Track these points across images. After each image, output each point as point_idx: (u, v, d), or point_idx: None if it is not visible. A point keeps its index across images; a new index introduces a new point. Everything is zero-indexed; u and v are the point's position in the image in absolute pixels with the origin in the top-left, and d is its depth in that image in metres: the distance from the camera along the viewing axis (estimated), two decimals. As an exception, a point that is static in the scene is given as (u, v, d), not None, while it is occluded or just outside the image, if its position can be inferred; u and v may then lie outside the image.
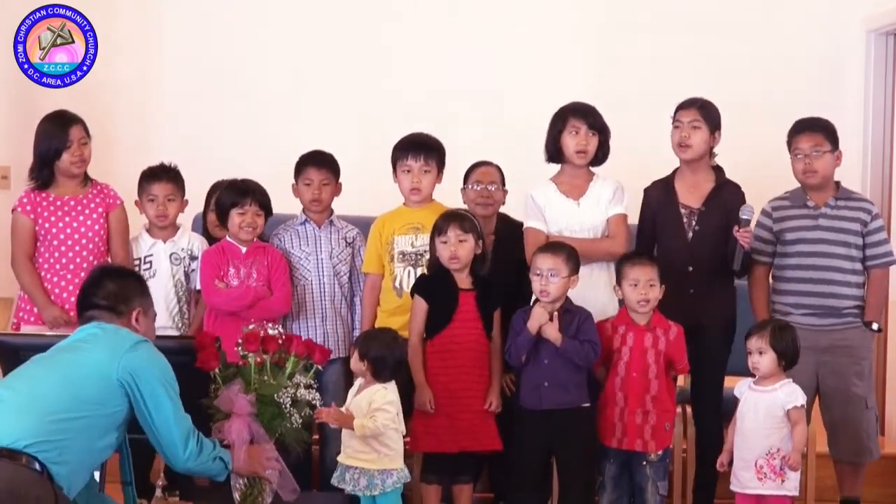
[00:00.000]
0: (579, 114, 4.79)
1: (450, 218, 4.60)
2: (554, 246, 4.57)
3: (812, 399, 4.74)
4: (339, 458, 4.35)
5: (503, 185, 5.00)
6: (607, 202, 4.80)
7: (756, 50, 6.59)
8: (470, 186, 4.96)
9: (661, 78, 6.48)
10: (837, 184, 4.87)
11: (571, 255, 4.51)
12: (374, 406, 4.25)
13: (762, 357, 4.40)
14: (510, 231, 4.90)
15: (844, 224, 4.77)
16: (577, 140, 4.77)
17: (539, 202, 4.81)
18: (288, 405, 3.89)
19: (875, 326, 4.78)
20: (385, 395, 4.28)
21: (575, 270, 4.51)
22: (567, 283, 4.50)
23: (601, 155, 4.83)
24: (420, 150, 4.86)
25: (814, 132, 4.80)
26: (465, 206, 4.90)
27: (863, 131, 6.36)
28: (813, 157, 4.77)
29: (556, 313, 4.47)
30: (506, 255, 4.80)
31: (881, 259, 4.78)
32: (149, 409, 3.56)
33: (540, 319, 4.46)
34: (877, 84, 6.45)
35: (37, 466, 3.36)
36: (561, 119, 4.81)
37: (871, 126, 6.40)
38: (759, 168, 6.04)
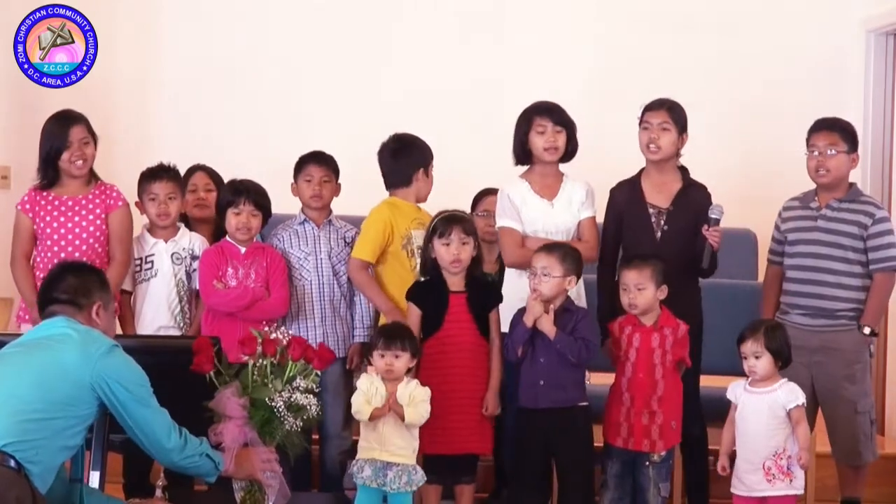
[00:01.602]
0: (543, 112, 4.79)
1: (452, 220, 4.59)
2: (551, 246, 4.57)
3: (811, 399, 4.73)
4: (376, 456, 4.31)
5: None
6: (579, 204, 4.80)
7: (755, 49, 6.59)
8: (478, 214, 4.95)
9: (660, 77, 6.46)
10: (851, 185, 4.86)
11: (567, 255, 4.49)
12: (419, 399, 4.32)
13: (759, 361, 4.37)
14: None
15: (841, 226, 4.76)
16: (544, 138, 4.77)
17: (515, 201, 4.78)
18: (281, 408, 3.87)
19: (867, 330, 4.74)
20: (425, 390, 4.35)
21: (572, 272, 4.49)
22: (561, 284, 4.48)
23: (570, 150, 4.82)
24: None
25: (831, 131, 4.80)
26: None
27: (863, 131, 6.32)
28: (826, 156, 4.76)
29: (551, 307, 4.47)
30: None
31: (882, 263, 4.75)
32: (127, 411, 3.59)
33: (535, 312, 4.45)
34: (877, 84, 6.45)
35: (12, 464, 3.37)
36: (525, 120, 4.81)
37: (871, 126, 6.40)
38: (760, 167, 6.05)
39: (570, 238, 4.77)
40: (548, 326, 4.45)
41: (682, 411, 4.66)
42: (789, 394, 4.37)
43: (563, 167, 4.87)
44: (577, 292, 4.70)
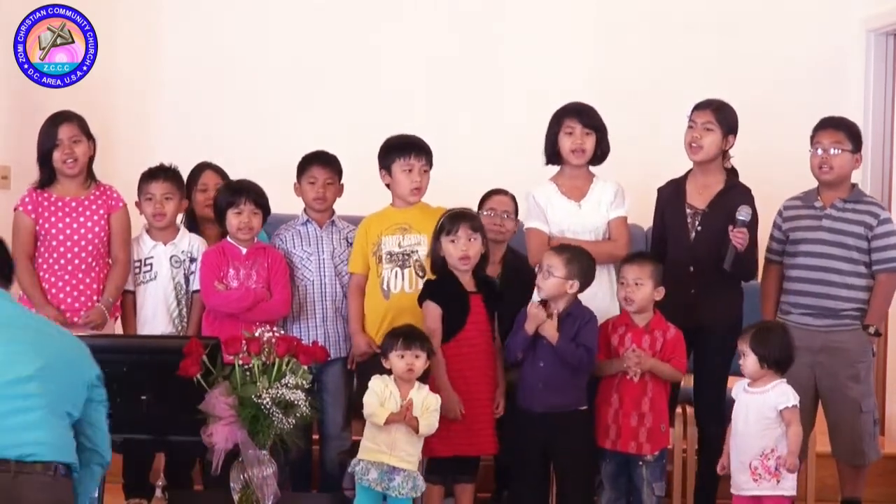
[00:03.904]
0: (573, 113, 4.81)
1: (459, 217, 4.58)
2: (562, 246, 4.57)
3: (812, 399, 4.73)
4: (385, 460, 4.29)
5: (516, 215, 5.00)
6: (609, 204, 4.81)
7: (756, 49, 6.59)
8: (484, 213, 4.96)
9: (660, 78, 6.49)
10: (854, 186, 4.86)
11: (575, 259, 4.47)
12: (431, 408, 4.31)
13: (745, 359, 4.38)
14: (517, 267, 4.87)
15: (847, 226, 4.76)
16: (572, 139, 4.78)
17: (541, 202, 4.82)
18: (268, 405, 3.87)
19: (872, 330, 4.75)
20: (436, 398, 4.34)
21: (576, 275, 4.46)
22: (562, 285, 4.47)
23: (600, 153, 4.83)
24: (421, 150, 4.84)
25: (837, 129, 4.81)
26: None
27: (863, 131, 6.29)
28: (830, 154, 4.76)
29: (555, 313, 4.47)
30: (511, 291, 4.73)
31: (886, 264, 4.75)
32: (97, 411, 3.45)
33: (536, 319, 4.45)
34: (877, 84, 6.44)
35: (63, 472, 3.28)
36: (556, 121, 4.84)
37: (871, 126, 6.38)
38: (759, 167, 6.03)
39: (598, 238, 4.78)
40: (550, 332, 4.45)
41: (707, 410, 4.73)
42: (781, 395, 4.35)
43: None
44: (612, 296, 4.69)
